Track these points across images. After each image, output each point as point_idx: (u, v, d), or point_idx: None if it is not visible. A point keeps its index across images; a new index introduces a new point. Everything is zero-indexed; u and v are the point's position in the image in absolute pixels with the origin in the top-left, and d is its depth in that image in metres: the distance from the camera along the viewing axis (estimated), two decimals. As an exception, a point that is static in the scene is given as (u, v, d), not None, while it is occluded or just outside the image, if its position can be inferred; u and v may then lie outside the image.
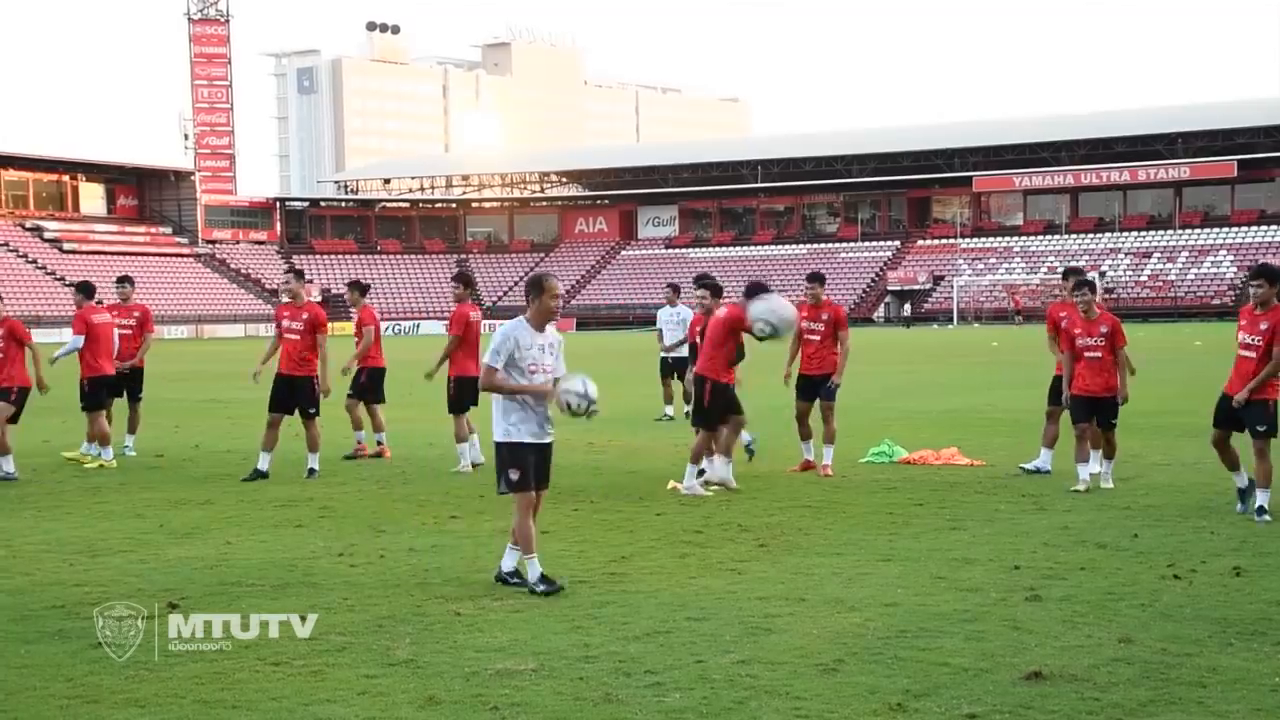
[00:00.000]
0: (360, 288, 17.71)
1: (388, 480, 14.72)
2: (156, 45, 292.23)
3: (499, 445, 9.01)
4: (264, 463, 14.78)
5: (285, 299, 15.69)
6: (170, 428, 20.09)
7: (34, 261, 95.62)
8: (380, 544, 10.77)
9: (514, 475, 8.94)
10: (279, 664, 7.13)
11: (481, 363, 9.03)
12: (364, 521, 11.92)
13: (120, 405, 17.45)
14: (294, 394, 15.03)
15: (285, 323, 15.19)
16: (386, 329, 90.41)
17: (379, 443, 16.93)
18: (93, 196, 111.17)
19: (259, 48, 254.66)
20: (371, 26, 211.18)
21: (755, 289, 13.60)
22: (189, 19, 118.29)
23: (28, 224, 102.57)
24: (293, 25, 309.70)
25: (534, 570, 8.91)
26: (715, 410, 13.66)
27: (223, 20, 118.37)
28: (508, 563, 9.17)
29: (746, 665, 7.02)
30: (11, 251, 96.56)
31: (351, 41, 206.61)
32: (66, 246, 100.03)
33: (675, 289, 21.68)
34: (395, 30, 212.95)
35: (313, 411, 15.09)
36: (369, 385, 17.04)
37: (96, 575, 9.60)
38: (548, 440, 9.10)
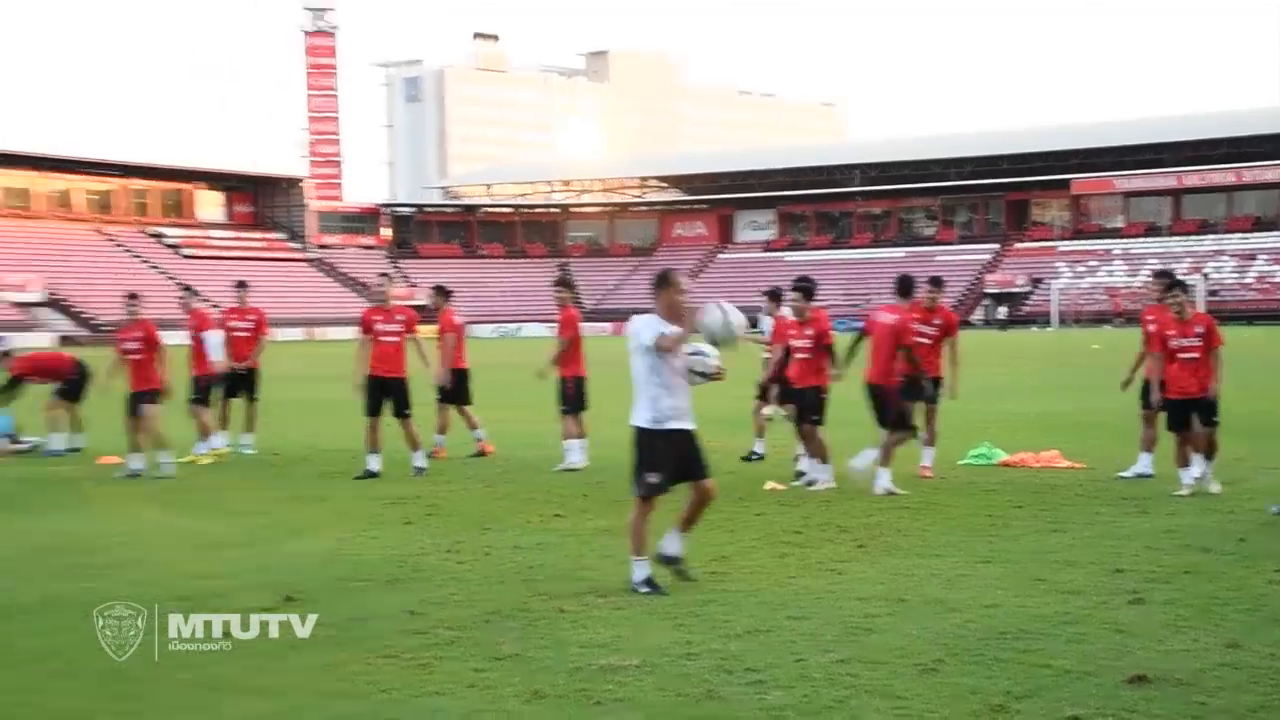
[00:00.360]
0: (443, 292, 17.67)
1: (492, 479, 14.80)
2: (270, 58, 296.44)
3: (641, 432, 8.87)
4: (374, 464, 14.92)
5: (376, 303, 15.88)
6: (286, 427, 20.30)
7: (155, 266, 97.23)
8: (486, 541, 10.83)
9: (652, 479, 8.82)
10: (390, 656, 7.20)
11: (642, 345, 8.83)
12: (470, 519, 11.99)
13: (238, 405, 17.74)
14: (387, 395, 15.18)
15: (379, 326, 15.35)
16: (490, 331, 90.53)
17: (478, 439, 17.02)
18: (211, 204, 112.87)
19: (369, 58, 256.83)
20: (476, 36, 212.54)
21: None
22: (304, 32, 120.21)
23: (149, 230, 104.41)
24: (401, 36, 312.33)
25: (638, 571, 8.84)
26: (904, 412, 13.59)
27: (332, 33, 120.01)
28: (637, 572, 8.89)
29: (847, 664, 6.98)
30: (134, 256, 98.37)
31: (456, 51, 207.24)
32: (185, 252, 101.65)
33: (775, 297, 20.77)
34: (497, 39, 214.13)
35: (406, 412, 15.23)
36: (455, 388, 17.19)
37: (218, 568, 9.76)
38: (690, 427, 8.94)
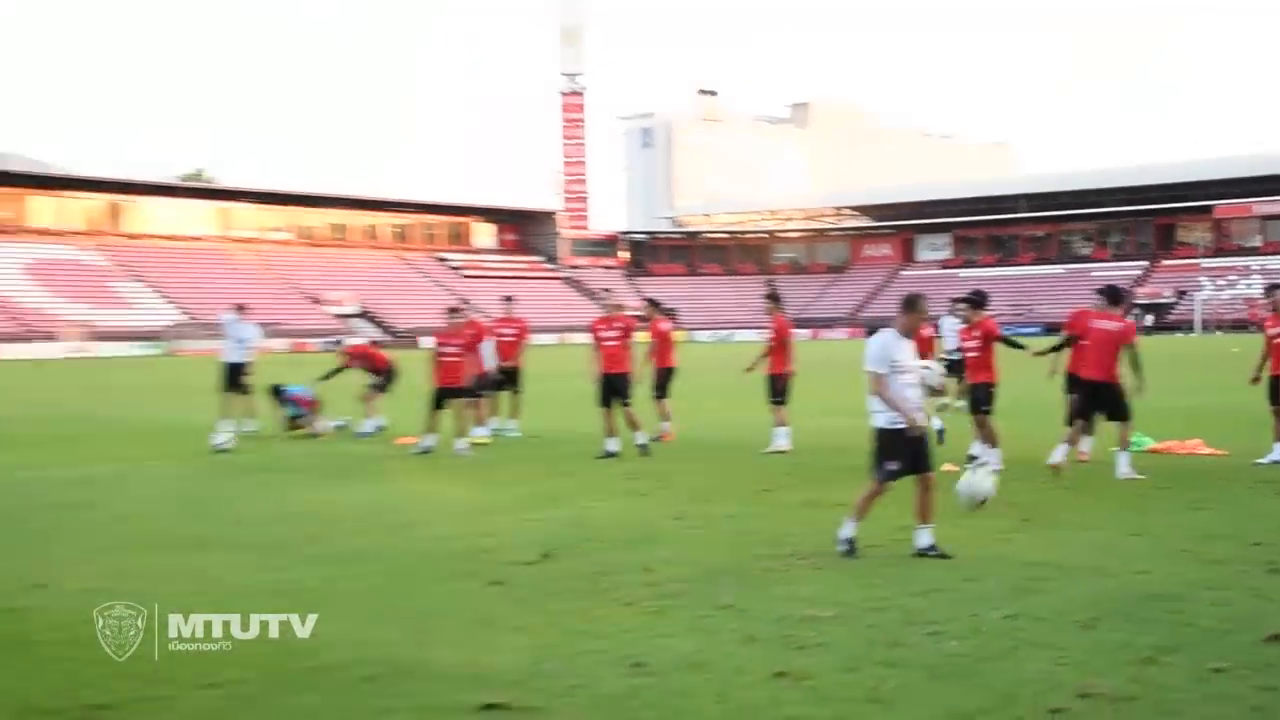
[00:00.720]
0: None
1: (710, 459, 14.78)
2: (532, 114, 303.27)
3: (881, 431, 8.71)
4: (612, 445, 15.05)
5: (605, 313, 16.04)
6: (543, 415, 20.55)
7: (440, 284, 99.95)
8: (706, 510, 10.82)
9: (891, 467, 8.65)
10: (628, 604, 7.24)
11: (868, 371, 8.68)
12: (693, 492, 12.00)
13: (505, 397, 18.09)
14: (614, 388, 15.29)
15: (604, 332, 15.49)
16: (708, 337, 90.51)
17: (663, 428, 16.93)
18: (485, 234, 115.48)
19: (612, 112, 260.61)
20: (700, 92, 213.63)
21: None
22: (560, 93, 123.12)
23: (436, 255, 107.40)
24: (637, 93, 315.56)
25: (848, 529, 8.72)
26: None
27: (581, 93, 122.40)
28: (846, 530, 8.75)
29: (1015, 620, 6.79)
30: (425, 277, 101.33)
31: (682, 104, 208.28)
32: (465, 273, 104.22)
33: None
34: (716, 94, 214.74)
35: (627, 401, 15.31)
36: (661, 383, 17.14)
37: (489, 529, 9.94)
38: (920, 431, 8.75)
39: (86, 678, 5.84)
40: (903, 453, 8.67)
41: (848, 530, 8.75)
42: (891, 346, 8.75)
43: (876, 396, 8.73)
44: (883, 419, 8.73)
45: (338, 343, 20.03)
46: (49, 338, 71.86)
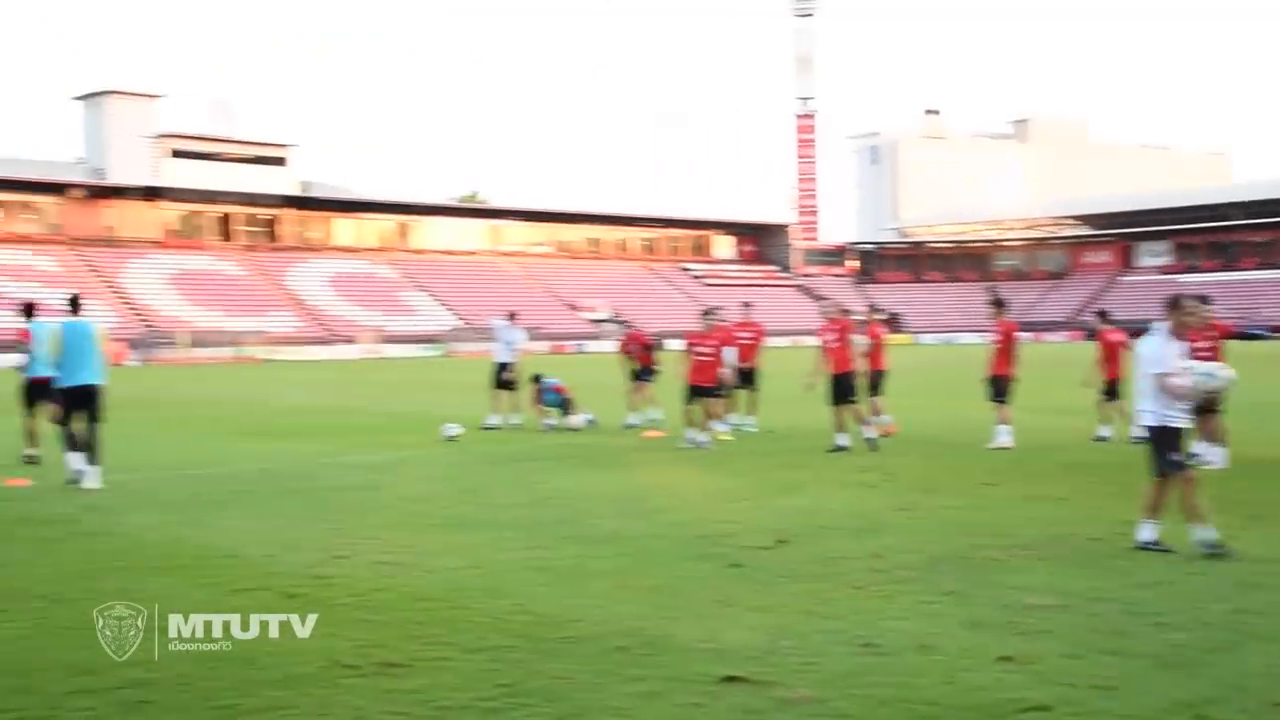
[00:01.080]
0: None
1: (934, 454, 14.41)
2: (767, 135, 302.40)
3: (1156, 430, 8.22)
4: (842, 440, 14.82)
5: (830, 318, 15.76)
6: (776, 411, 20.37)
7: (684, 292, 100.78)
8: (931, 502, 10.53)
9: (1175, 458, 8.11)
10: (859, 588, 7.10)
11: (1148, 373, 8.20)
12: (918, 484, 11.70)
13: (743, 394, 18.01)
14: (840, 387, 15.02)
15: (827, 336, 15.30)
16: (932, 340, 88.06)
17: (873, 424, 16.48)
18: (725, 245, 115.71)
19: (842, 132, 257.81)
20: (926, 112, 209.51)
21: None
22: (795, 115, 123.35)
23: (680, 266, 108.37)
24: (866, 113, 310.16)
25: (1146, 532, 8.18)
26: None
27: (813, 114, 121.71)
28: (1146, 533, 8.25)
29: (1240, 614, 6.35)
30: (670, 285, 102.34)
31: (906, 122, 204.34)
32: (706, 281, 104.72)
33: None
34: (939, 113, 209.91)
35: (852, 399, 15.04)
36: (876, 383, 16.72)
37: (728, 515, 9.91)
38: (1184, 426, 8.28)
39: (380, 638, 6.09)
40: (1180, 446, 8.16)
41: (1146, 533, 8.21)
42: (1165, 347, 8.27)
43: (1157, 395, 8.19)
44: (1154, 418, 8.23)
45: (622, 323, 20.08)
46: (348, 341, 75.77)
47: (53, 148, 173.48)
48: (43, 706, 5.11)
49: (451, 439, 16.65)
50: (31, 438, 14.23)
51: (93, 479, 11.79)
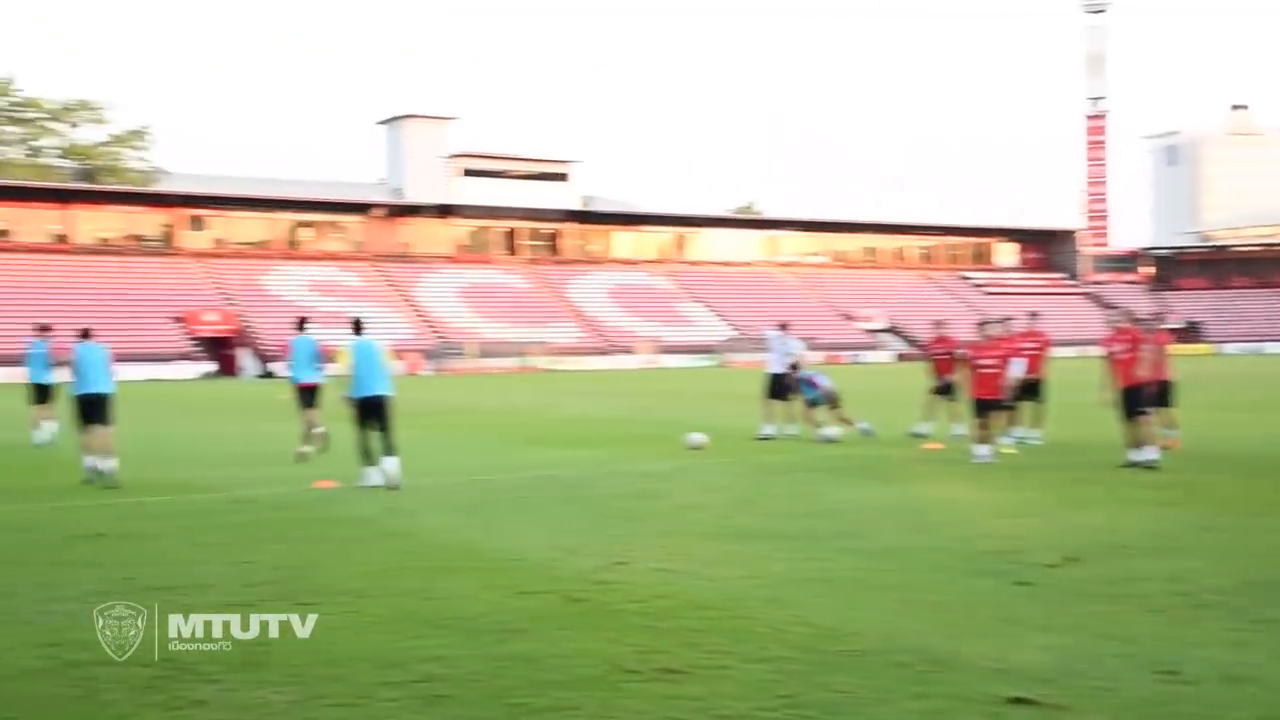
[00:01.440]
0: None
1: (1244, 470, 13.40)
2: (1055, 137, 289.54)
3: None
4: (1134, 455, 14.01)
5: (1116, 329, 14.92)
6: (1064, 425, 19.42)
7: (964, 301, 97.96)
8: (1237, 521, 9.82)
9: None
10: (1156, 611, 6.70)
11: None
12: (1225, 503, 10.93)
13: (1028, 406, 17.25)
14: (1131, 399, 14.15)
15: (1115, 347, 14.53)
16: (1235, 350, 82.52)
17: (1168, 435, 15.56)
18: (1007, 253, 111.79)
19: (1136, 132, 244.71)
20: (1233, 108, 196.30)
21: None
22: (1085, 116, 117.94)
23: (960, 274, 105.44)
24: (1159, 111, 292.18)
25: None
26: None
27: (1103, 115, 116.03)
28: None
29: None
30: (948, 294, 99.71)
31: (1209, 120, 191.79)
32: (986, 290, 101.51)
33: None
34: (1248, 108, 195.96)
35: (1144, 411, 14.19)
36: (1161, 393, 15.66)
37: (1014, 531, 9.57)
38: None
39: (661, 644, 6.20)
40: None
41: None
42: None
43: None
44: None
45: (937, 325, 19.55)
46: (627, 351, 77.66)
47: (351, 169, 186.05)
48: (353, 695, 5.47)
49: (695, 448, 16.76)
50: (307, 435, 16.45)
51: (391, 466, 12.92)
